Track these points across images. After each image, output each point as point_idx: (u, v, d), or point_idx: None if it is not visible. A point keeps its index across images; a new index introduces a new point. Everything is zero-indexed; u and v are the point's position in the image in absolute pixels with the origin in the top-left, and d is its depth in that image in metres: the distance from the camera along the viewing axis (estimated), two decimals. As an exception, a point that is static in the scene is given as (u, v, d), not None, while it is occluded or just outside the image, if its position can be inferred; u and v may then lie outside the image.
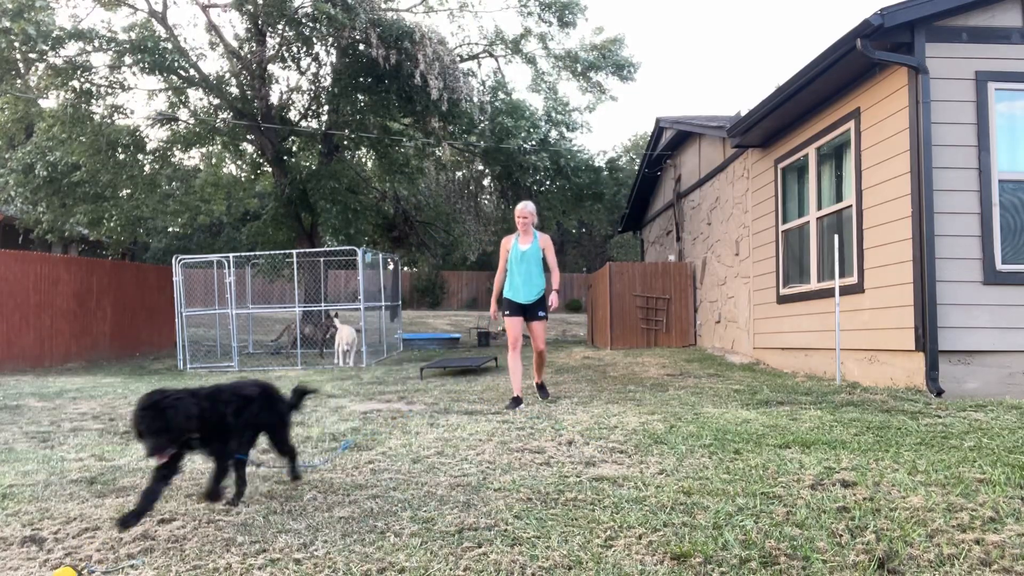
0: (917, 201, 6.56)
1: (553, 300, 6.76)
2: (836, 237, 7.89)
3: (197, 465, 4.52)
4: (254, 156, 19.28)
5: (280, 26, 15.20)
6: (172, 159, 18.40)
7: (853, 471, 3.82)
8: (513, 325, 6.80)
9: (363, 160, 21.50)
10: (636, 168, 20.25)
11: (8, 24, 12.82)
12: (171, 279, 15.08)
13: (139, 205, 16.79)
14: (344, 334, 13.34)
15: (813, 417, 5.57)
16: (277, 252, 15.86)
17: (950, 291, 6.48)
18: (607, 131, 60.73)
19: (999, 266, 6.54)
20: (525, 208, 6.89)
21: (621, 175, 20.83)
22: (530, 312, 6.80)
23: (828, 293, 8.05)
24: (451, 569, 2.65)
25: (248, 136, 17.42)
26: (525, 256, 6.77)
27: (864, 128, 7.52)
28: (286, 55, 16.32)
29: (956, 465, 3.87)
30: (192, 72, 15.87)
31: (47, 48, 13.67)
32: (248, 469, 4.38)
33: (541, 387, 7.09)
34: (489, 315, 6.59)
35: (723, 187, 12.08)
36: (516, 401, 6.60)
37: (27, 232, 18.64)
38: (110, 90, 15.06)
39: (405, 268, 29.25)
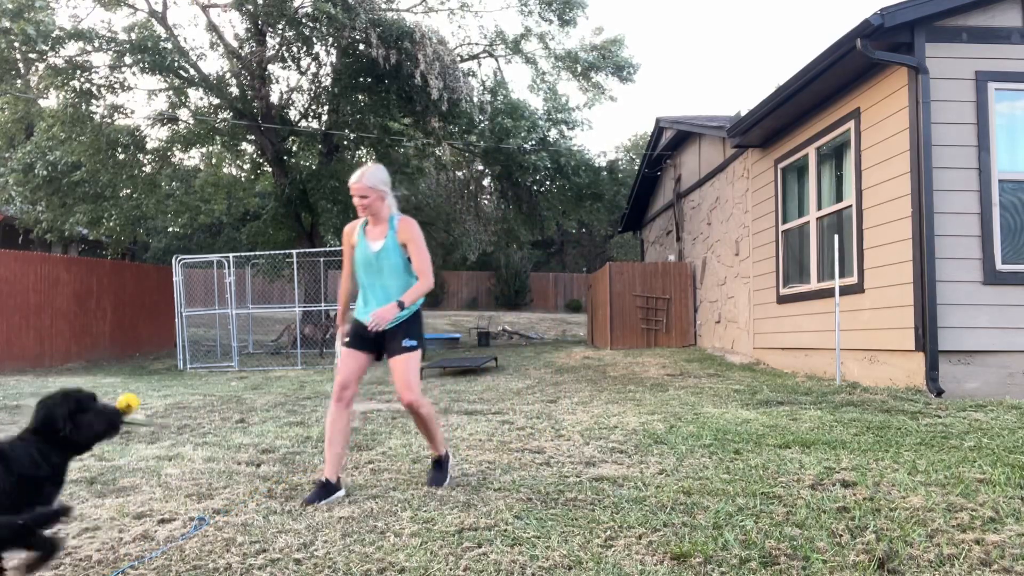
0: (917, 201, 6.56)
1: (385, 314, 3.65)
2: (836, 237, 7.89)
3: (197, 465, 4.53)
4: (254, 156, 19.27)
5: (280, 26, 15.19)
6: (172, 159, 18.40)
7: (853, 471, 3.83)
8: (345, 361, 3.85)
9: (363, 160, 21.50)
10: (636, 168, 20.25)
11: (8, 24, 12.81)
12: (171, 279, 15.08)
13: (139, 205, 16.78)
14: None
15: (813, 417, 5.58)
16: (277, 252, 15.86)
17: (950, 291, 6.48)
18: (607, 131, 60.75)
19: (999, 266, 6.54)
20: (361, 181, 3.75)
21: (621, 175, 20.82)
22: (388, 343, 3.83)
23: (828, 293, 8.05)
24: (451, 569, 2.65)
25: (248, 136, 17.41)
26: (379, 259, 3.83)
27: (864, 128, 7.52)
28: (286, 55, 16.32)
29: (956, 465, 3.87)
30: (192, 72, 15.86)
31: (47, 48, 13.66)
32: (248, 469, 4.38)
33: (438, 464, 3.99)
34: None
35: (723, 187, 12.08)
36: (324, 489, 3.66)
37: (27, 232, 18.64)
38: (110, 90, 15.05)
39: (405, 268, 29.17)
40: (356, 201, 3.78)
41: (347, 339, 3.90)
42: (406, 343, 3.78)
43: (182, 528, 3.23)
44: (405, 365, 3.77)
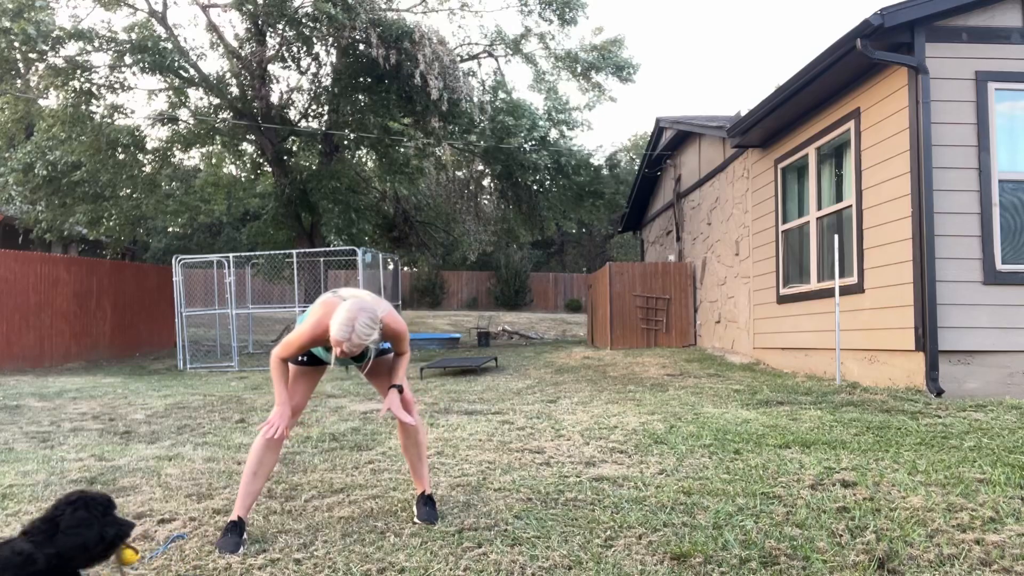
0: (917, 201, 6.56)
1: (395, 406, 3.22)
2: (836, 237, 7.89)
3: (197, 465, 4.53)
4: (254, 156, 19.28)
5: (280, 26, 15.20)
6: (172, 159, 18.40)
7: (853, 471, 3.83)
8: (297, 384, 3.30)
9: (363, 160, 21.51)
10: (636, 168, 20.25)
11: (8, 24, 12.80)
12: (171, 279, 15.08)
13: (139, 205, 16.78)
14: None
15: (813, 417, 5.57)
16: (277, 252, 15.86)
17: (950, 291, 6.48)
18: (607, 131, 60.72)
19: (999, 266, 6.54)
20: (351, 340, 2.92)
21: (621, 174, 20.83)
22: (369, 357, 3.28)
23: (828, 293, 8.04)
24: (451, 569, 2.65)
25: (248, 136, 17.42)
26: (349, 363, 3.42)
27: (864, 128, 7.52)
28: (286, 55, 16.32)
29: (956, 465, 3.87)
30: (192, 72, 15.86)
31: (47, 48, 13.66)
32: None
33: (428, 499, 3.35)
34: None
35: (723, 187, 12.08)
36: (236, 529, 3.04)
37: (27, 232, 18.64)
38: (110, 90, 15.05)
39: (405, 268, 29.26)
40: (344, 350, 2.96)
41: (302, 358, 3.30)
42: (385, 346, 3.33)
43: (182, 528, 3.23)
44: (391, 361, 3.33)
